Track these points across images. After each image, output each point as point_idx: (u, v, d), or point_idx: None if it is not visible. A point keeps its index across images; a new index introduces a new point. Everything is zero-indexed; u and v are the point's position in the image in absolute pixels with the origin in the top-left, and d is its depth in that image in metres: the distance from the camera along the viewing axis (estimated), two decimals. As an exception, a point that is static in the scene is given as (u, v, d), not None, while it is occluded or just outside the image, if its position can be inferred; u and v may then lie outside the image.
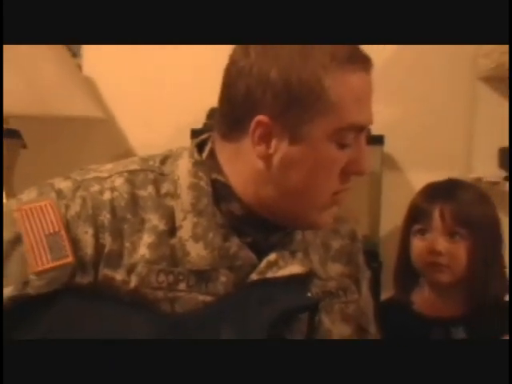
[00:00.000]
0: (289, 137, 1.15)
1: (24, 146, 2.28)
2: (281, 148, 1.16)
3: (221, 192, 1.22)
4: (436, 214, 1.68)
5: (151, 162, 1.25)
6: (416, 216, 1.73)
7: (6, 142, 2.24)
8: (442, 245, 1.66)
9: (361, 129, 1.18)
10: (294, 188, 1.18)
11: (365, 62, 1.17)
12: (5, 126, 2.26)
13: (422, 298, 1.76)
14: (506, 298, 1.74)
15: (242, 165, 1.20)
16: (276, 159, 1.16)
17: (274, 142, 1.15)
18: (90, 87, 2.38)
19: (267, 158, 1.17)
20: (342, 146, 1.16)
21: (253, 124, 1.15)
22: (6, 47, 2.05)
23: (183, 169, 1.23)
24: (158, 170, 1.23)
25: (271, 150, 1.16)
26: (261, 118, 1.14)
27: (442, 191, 1.72)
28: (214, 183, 1.22)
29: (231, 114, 1.19)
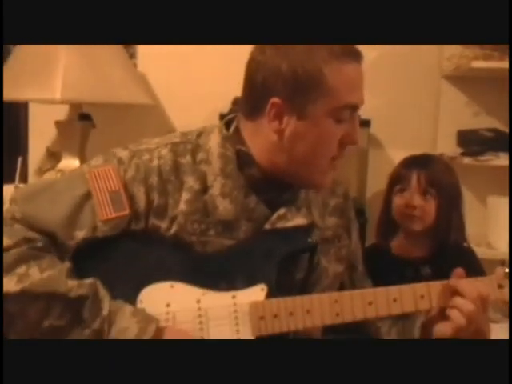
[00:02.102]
0: (297, 114, 1.14)
1: (94, 126, 2.28)
2: (290, 123, 1.14)
3: (243, 159, 1.20)
4: (414, 177, 1.69)
5: (189, 136, 1.23)
6: (398, 179, 1.74)
7: (79, 123, 2.24)
8: (416, 201, 1.68)
9: (354, 108, 1.16)
10: (300, 155, 1.16)
11: (356, 55, 1.15)
12: (79, 111, 2.25)
13: (398, 244, 1.77)
14: (464, 244, 1.76)
15: (260, 138, 1.19)
16: (287, 133, 1.15)
17: (285, 119, 1.14)
18: (143, 81, 2.37)
19: (280, 132, 1.15)
20: (338, 121, 1.15)
21: (268, 105, 1.14)
22: (82, 49, 2.04)
23: (214, 141, 1.21)
24: (194, 142, 1.22)
25: (283, 126, 1.15)
26: (275, 99, 1.13)
27: (419, 161, 1.74)
28: (238, 152, 1.21)
29: (252, 99, 1.18)
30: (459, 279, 1.19)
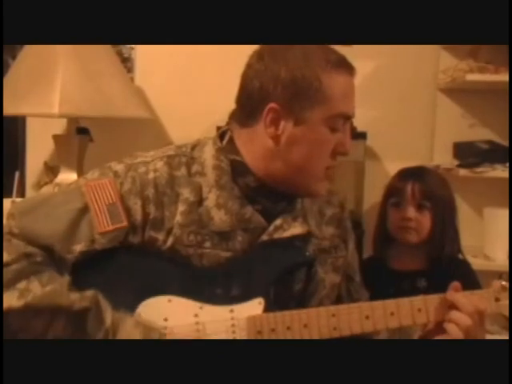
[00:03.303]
0: (293, 120, 1.14)
1: (91, 140, 2.27)
2: (287, 129, 1.15)
3: (238, 169, 1.20)
4: (408, 189, 1.70)
5: (184, 149, 1.24)
6: (393, 192, 1.74)
7: (77, 137, 2.24)
8: (411, 213, 1.69)
9: (347, 118, 1.18)
10: (296, 162, 1.17)
11: (350, 68, 1.17)
12: (76, 125, 2.25)
13: (394, 256, 1.76)
14: (459, 256, 1.75)
15: (256, 145, 1.19)
16: (283, 139, 1.16)
17: (281, 124, 1.15)
18: (140, 95, 2.37)
19: (276, 138, 1.16)
20: (333, 130, 1.16)
21: (266, 110, 1.14)
22: (79, 63, 2.04)
23: (208, 153, 1.22)
24: (189, 154, 1.22)
25: (279, 131, 1.15)
26: (272, 105, 1.14)
27: (414, 174, 1.74)
28: (233, 163, 1.20)
29: (248, 106, 1.18)
30: (456, 293, 1.19)
